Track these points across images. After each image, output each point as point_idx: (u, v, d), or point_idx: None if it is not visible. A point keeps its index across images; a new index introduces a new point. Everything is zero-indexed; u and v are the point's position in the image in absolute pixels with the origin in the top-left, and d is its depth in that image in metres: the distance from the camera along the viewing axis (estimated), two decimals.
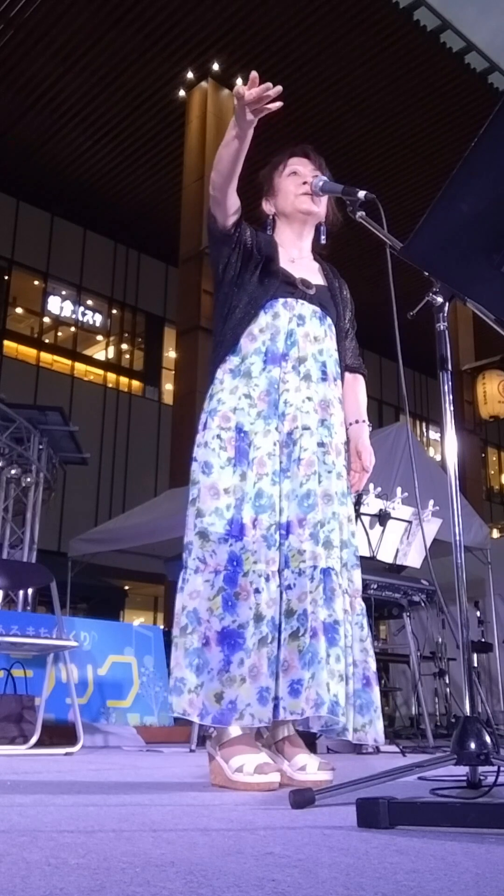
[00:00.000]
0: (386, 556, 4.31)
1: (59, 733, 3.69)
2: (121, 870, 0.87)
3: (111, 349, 17.75)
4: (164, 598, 12.28)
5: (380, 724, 2.00)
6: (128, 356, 18.04)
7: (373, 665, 2.04)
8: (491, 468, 24.31)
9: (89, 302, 17.42)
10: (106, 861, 0.92)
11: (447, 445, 1.71)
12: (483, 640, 7.15)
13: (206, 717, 1.86)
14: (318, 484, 2.01)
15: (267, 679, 1.85)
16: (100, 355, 17.66)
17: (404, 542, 4.39)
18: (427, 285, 1.71)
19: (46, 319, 16.85)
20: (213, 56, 12.41)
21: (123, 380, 17.58)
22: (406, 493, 4.43)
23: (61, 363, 16.75)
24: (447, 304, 1.69)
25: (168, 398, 16.90)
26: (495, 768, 1.42)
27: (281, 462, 2.03)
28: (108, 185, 15.47)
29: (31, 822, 1.25)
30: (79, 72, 12.67)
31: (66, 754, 3.23)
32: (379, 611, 4.57)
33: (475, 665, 6.90)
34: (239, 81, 12.65)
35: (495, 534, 15.30)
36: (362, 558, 4.08)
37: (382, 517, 4.21)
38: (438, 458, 15.44)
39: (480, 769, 1.50)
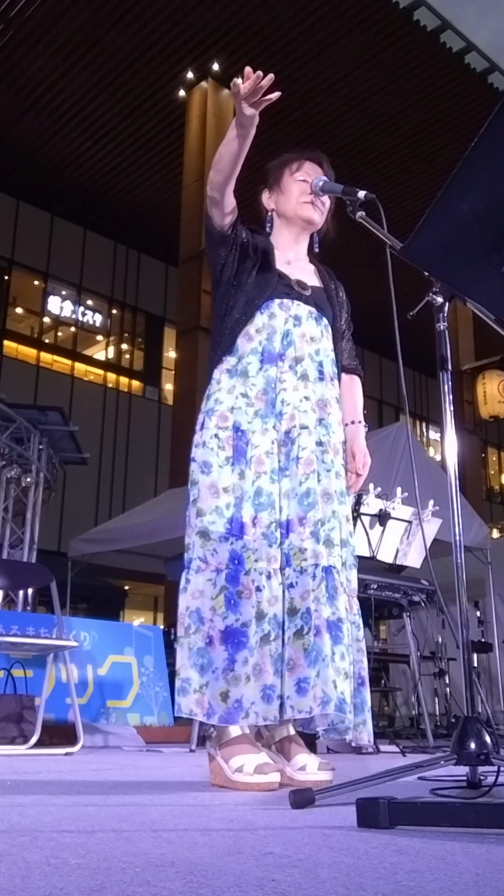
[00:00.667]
0: (386, 556, 4.31)
1: (59, 733, 3.69)
2: (121, 870, 0.87)
3: (111, 349, 17.75)
4: (164, 598, 12.27)
5: (370, 724, 2.02)
6: (128, 356, 18.04)
7: (366, 665, 2.06)
8: (491, 468, 24.31)
9: (89, 302, 17.43)
10: (106, 861, 0.92)
11: (447, 445, 1.71)
12: (483, 640, 7.15)
13: (213, 717, 1.86)
14: (318, 482, 2.01)
15: (271, 677, 1.85)
16: (100, 355, 17.66)
17: (404, 542, 4.39)
18: (427, 285, 1.71)
19: (46, 319, 16.85)
20: (213, 56, 12.41)
21: (123, 380, 17.58)
22: (406, 493, 4.43)
23: (61, 363, 16.75)
24: (447, 304, 1.69)
25: (168, 398, 16.91)
26: (495, 768, 1.41)
27: (280, 461, 2.04)
28: (108, 185, 15.47)
29: (31, 822, 1.25)
30: (79, 72, 12.67)
31: (66, 754, 3.23)
32: (379, 611, 4.58)
33: (475, 665, 6.89)
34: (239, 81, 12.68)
35: (495, 534, 15.30)
36: (362, 558, 4.12)
37: (382, 517, 4.21)
38: (438, 458, 15.43)
39: (480, 769, 1.50)
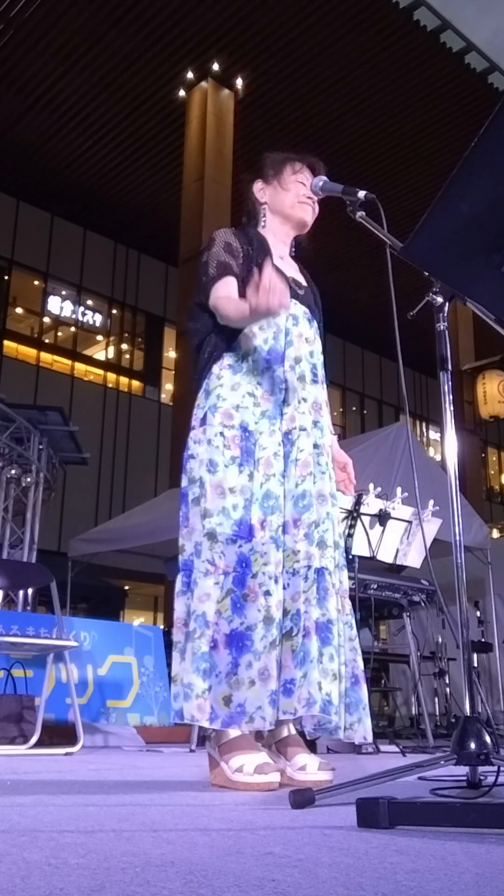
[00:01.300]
0: (386, 556, 4.31)
1: (59, 733, 3.69)
2: (121, 870, 0.87)
3: (111, 349, 17.75)
4: (164, 598, 12.28)
5: (368, 722, 2.01)
6: (128, 356, 18.04)
7: (360, 663, 2.05)
8: (491, 468, 24.31)
9: (89, 302, 17.43)
10: (106, 861, 0.92)
11: (447, 445, 1.71)
12: (483, 640, 7.15)
13: (216, 721, 1.84)
14: (313, 484, 2.01)
15: (275, 682, 1.85)
16: (100, 355, 17.66)
17: (404, 542, 4.39)
18: (427, 285, 1.71)
19: (46, 319, 16.85)
20: (213, 56, 12.41)
21: (123, 380, 17.58)
22: (406, 493, 4.43)
23: (61, 363, 16.76)
24: (447, 304, 1.69)
25: (168, 398, 16.91)
26: (495, 768, 1.41)
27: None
28: (108, 185, 15.47)
29: (31, 822, 1.25)
30: (79, 72, 12.67)
31: (66, 754, 3.23)
32: (379, 611, 4.57)
33: (475, 665, 6.90)
34: (238, 81, 12.67)
35: (495, 534, 15.30)
36: (362, 558, 4.11)
37: (382, 517, 4.21)
38: (438, 458, 15.43)
39: (480, 769, 1.50)
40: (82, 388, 16.66)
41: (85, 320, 17.42)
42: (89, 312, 17.48)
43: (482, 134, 1.36)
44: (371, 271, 15.09)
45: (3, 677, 3.94)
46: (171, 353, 16.55)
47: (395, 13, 11.77)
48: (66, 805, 1.50)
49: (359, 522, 4.10)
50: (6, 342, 15.85)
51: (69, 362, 16.86)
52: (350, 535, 4.06)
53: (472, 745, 1.40)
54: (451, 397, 1.70)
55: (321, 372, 2.19)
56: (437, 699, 6.64)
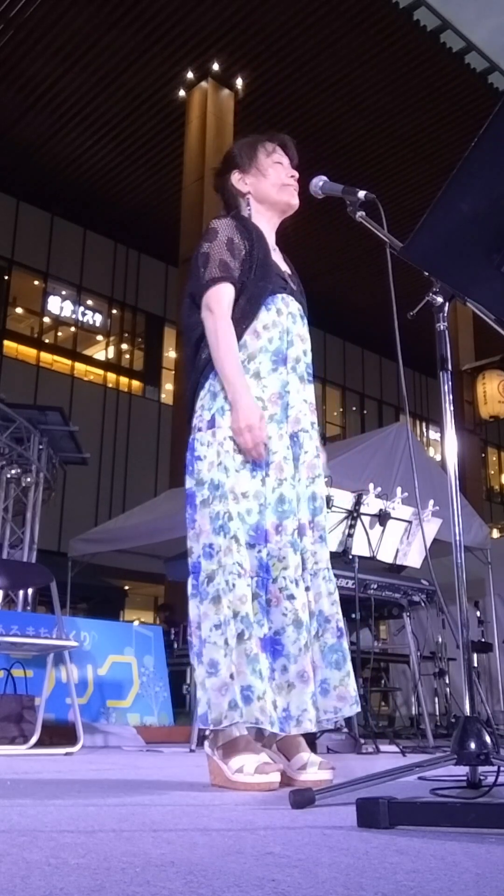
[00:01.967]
0: (386, 556, 4.31)
1: (59, 733, 3.68)
2: (121, 870, 0.87)
3: (111, 349, 17.75)
4: (164, 598, 12.27)
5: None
6: (128, 356, 18.04)
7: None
8: (491, 468, 24.31)
9: (89, 302, 17.43)
10: (106, 861, 0.92)
11: (447, 445, 1.71)
12: (483, 640, 7.15)
13: (275, 726, 1.83)
14: (321, 486, 2.05)
15: (313, 684, 1.88)
16: (100, 355, 17.66)
17: (404, 542, 4.39)
18: (427, 285, 1.71)
19: (46, 319, 16.85)
20: (213, 56, 12.41)
21: (123, 380, 17.58)
22: (406, 493, 4.43)
23: (61, 363, 16.76)
24: (447, 304, 1.69)
25: (168, 398, 16.91)
26: (495, 768, 1.41)
27: None
28: (108, 185, 15.47)
29: (31, 822, 1.25)
30: (79, 72, 12.68)
31: (66, 754, 3.23)
32: (379, 611, 4.57)
33: (475, 665, 6.90)
34: (238, 81, 12.66)
35: (495, 534, 15.30)
36: (362, 558, 4.11)
37: (382, 517, 4.21)
38: (438, 458, 15.43)
39: (480, 769, 1.50)
40: (82, 388, 16.66)
41: (85, 320, 17.43)
42: (89, 312, 17.48)
43: (482, 134, 1.36)
44: (371, 271, 15.09)
45: (3, 677, 3.94)
46: (171, 353, 16.55)
47: (395, 13, 11.77)
48: (66, 805, 1.50)
49: (359, 522, 4.10)
50: (6, 342, 15.85)
51: (69, 362, 16.86)
52: (350, 535, 4.06)
53: (472, 745, 1.40)
54: (451, 397, 1.69)
55: (311, 370, 2.19)
56: (437, 699, 6.64)
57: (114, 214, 16.40)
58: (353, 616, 3.97)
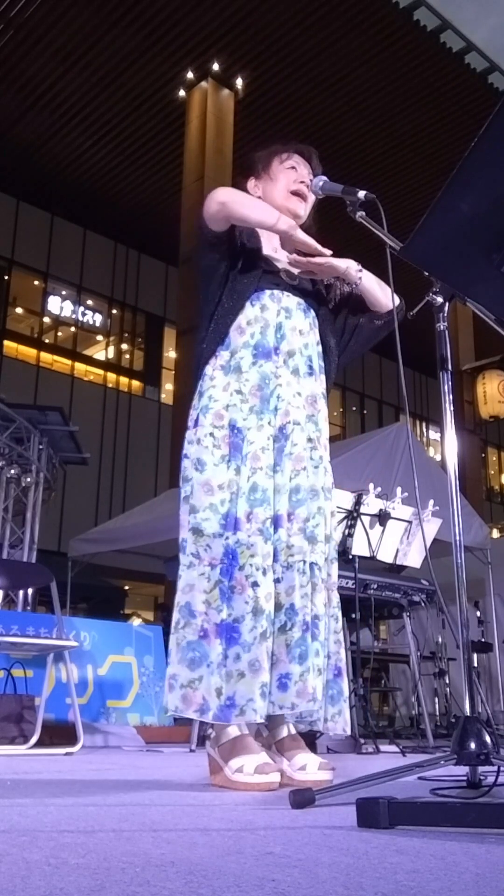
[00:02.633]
0: (386, 556, 4.31)
1: (59, 733, 3.68)
2: (121, 870, 0.87)
3: (111, 349, 17.75)
4: (164, 598, 12.28)
5: (348, 714, 2.03)
6: (128, 356, 18.04)
7: (343, 655, 2.07)
8: (491, 468, 24.32)
9: (89, 302, 17.43)
10: (106, 861, 0.92)
11: (447, 445, 1.71)
12: (483, 640, 7.15)
13: (207, 714, 1.85)
14: (307, 479, 2.02)
15: (267, 674, 1.85)
16: (100, 355, 17.67)
17: (404, 542, 4.39)
18: (427, 285, 1.71)
19: (46, 319, 16.85)
20: (213, 56, 12.41)
21: (123, 380, 17.58)
22: (406, 493, 4.43)
23: (61, 363, 16.76)
24: (447, 304, 1.69)
25: (168, 398, 16.91)
26: (495, 768, 1.41)
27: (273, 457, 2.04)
28: (108, 185, 15.47)
29: (31, 822, 1.25)
30: (79, 72, 12.67)
31: (66, 754, 3.23)
32: (379, 611, 4.57)
33: (475, 665, 6.89)
34: (238, 81, 12.66)
35: (495, 534, 15.30)
36: (362, 558, 4.11)
37: (382, 517, 4.21)
38: (438, 458, 15.43)
39: (480, 769, 1.50)
40: (82, 388, 16.66)
41: (85, 320, 17.43)
42: (89, 312, 17.48)
43: (482, 134, 1.36)
44: (371, 271, 15.04)
45: (3, 677, 3.94)
46: (171, 353, 16.55)
47: (395, 13, 11.77)
48: (66, 805, 1.50)
49: (359, 522, 4.10)
50: (6, 342, 15.85)
51: (69, 362, 16.86)
52: (350, 535, 4.06)
53: (472, 745, 1.40)
54: (451, 397, 1.69)
55: (317, 364, 2.18)
56: (437, 699, 6.64)
57: (114, 214, 16.39)
58: (353, 616, 3.97)
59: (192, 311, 11.48)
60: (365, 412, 21.58)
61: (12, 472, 7.47)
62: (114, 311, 17.79)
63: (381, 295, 2.20)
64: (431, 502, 4.51)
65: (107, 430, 16.51)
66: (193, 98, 12.87)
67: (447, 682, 6.35)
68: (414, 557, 4.45)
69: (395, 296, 2.15)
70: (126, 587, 16.65)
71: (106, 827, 1.21)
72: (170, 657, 1.93)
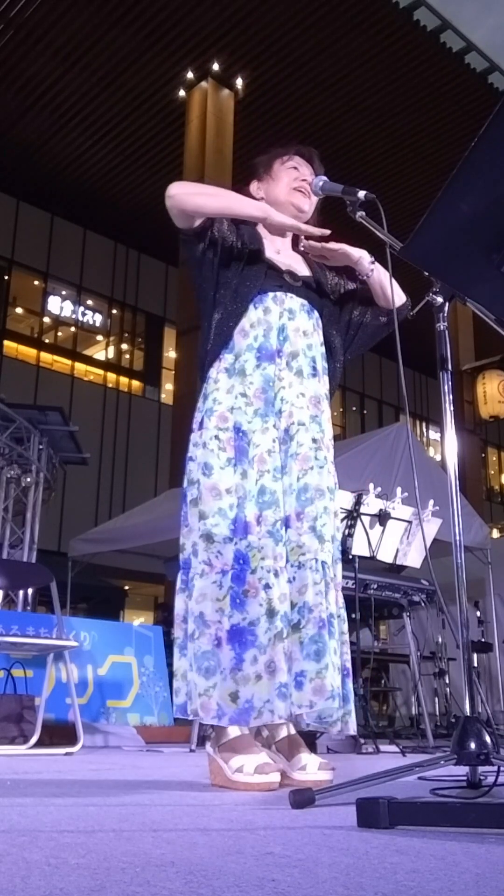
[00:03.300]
0: (386, 556, 4.31)
1: (59, 733, 3.68)
2: (121, 870, 0.87)
3: (111, 349, 17.75)
4: (164, 598, 12.28)
5: (354, 714, 2.04)
6: (128, 356, 18.04)
7: (349, 656, 2.07)
8: (491, 468, 24.31)
9: (89, 302, 17.43)
10: (106, 861, 0.92)
11: (447, 445, 1.71)
12: (483, 640, 7.15)
13: (223, 718, 1.84)
14: (314, 478, 2.02)
15: (285, 675, 1.85)
16: (100, 355, 17.66)
17: (404, 542, 4.39)
18: (427, 285, 1.71)
19: (46, 319, 16.85)
20: (213, 56, 12.41)
21: (123, 380, 17.58)
22: (406, 493, 4.43)
23: (61, 363, 16.76)
24: (447, 304, 1.69)
25: (168, 398, 16.91)
26: (495, 768, 1.41)
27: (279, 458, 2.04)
28: (108, 185, 15.47)
29: (31, 822, 1.25)
30: (79, 72, 12.67)
31: (66, 754, 3.23)
32: (379, 611, 4.57)
33: (475, 665, 6.89)
34: (238, 81, 12.65)
35: (495, 534, 15.31)
36: (362, 558, 4.11)
37: (382, 517, 4.21)
38: (438, 458, 15.43)
39: (480, 769, 1.50)
40: (82, 388, 16.66)
41: (85, 320, 17.43)
42: (89, 312, 17.48)
43: (482, 134, 1.36)
44: None
45: (3, 677, 3.94)
46: (171, 353, 16.55)
47: (395, 13, 11.77)
48: (66, 805, 1.50)
49: (359, 522, 4.10)
50: (6, 342, 15.85)
51: (69, 362, 16.86)
52: (350, 535, 4.06)
53: (472, 745, 1.40)
54: (451, 397, 1.69)
55: (321, 365, 2.17)
56: (437, 699, 6.64)
57: (114, 214, 16.39)
58: (353, 616, 3.97)
59: (192, 311, 11.50)
60: (365, 412, 21.58)
61: (12, 472, 7.47)
62: (114, 311, 17.79)
63: (390, 291, 2.21)
64: (431, 502, 4.51)
65: (107, 430, 16.51)
66: (193, 98, 12.86)
67: (447, 682, 6.35)
68: (414, 557, 4.46)
69: (402, 293, 2.16)
70: (126, 587, 16.65)
71: (106, 827, 1.21)
72: (183, 663, 1.94)
